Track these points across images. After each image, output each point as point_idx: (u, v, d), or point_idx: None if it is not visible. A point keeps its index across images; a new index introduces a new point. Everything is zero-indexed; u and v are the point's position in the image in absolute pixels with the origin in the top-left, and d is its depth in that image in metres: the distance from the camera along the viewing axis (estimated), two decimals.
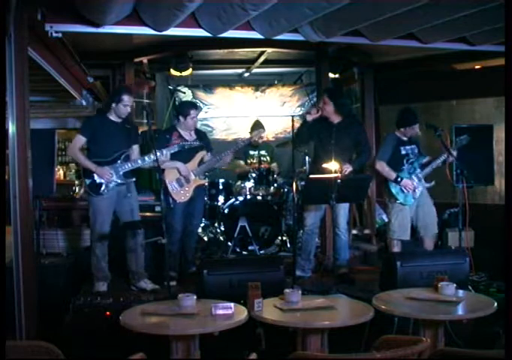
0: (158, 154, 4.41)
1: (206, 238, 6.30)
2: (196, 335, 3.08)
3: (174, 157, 4.86)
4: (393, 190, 5.00)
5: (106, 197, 4.49)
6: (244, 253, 5.82)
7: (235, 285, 3.79)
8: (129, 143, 4.62)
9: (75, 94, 6.85)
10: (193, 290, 3.71)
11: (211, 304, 3.21)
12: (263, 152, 6.75)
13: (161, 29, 4.39)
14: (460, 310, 3.35)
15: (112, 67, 6.86)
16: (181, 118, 4.96)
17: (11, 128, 3.94)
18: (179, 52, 6.64)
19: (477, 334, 3.90)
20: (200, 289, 3.88)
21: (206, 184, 5.60)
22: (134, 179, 4.68)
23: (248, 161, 6.66)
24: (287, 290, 3.48)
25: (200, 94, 8.25)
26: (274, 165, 6.65)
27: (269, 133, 7.96)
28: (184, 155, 4.90)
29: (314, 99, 7.60)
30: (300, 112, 8.13)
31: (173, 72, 6.88)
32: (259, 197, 6.07)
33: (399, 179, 4.95)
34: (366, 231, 6.77)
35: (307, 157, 6.14)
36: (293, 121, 4.92)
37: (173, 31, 4.44)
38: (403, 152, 5.03)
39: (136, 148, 4.69)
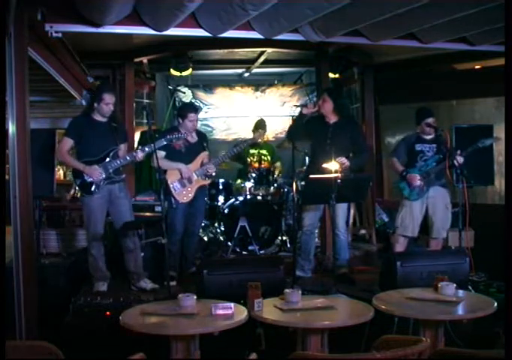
0: (147, 149, 4.41)
1: (206, 238, 6.29)
2: (196, 335, 3.08)
3: (176, 157, 4.85)
4: (400, 185, 5.06)
5: (98, 197, 4.48)
6: (244, 253, 5.82)
7: (235, 285, 3.79)
8: (116, 141, 4.59)
9: (75, 94, 6.85)
10: (193, 290, 3.71)
11: (211, 304, 3.20)
12: (263, 152, 6.75)
13: (161, 29, 4.39)
14: (460, 310, 3.34)
15: (112, 67, 6.86)
16: (180, 120, 4.96)
17: (11, 128, 3.94)
18: (179, 52, 6.64)
19: (477, 334, 3.90)
20: (200, 289, 3.88)
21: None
22: (124, 176, 4.67)
23: (249, 160, 6.66)
24: (287, 290, 3.48)
25: (200, 94, 8.25)
26: (278, 164, 6.64)
27: (269, 133, 7.96)
28: (186, 156, 4.90)
29: (314, 99, 7.60)
30: (294, 105, 8.13)
31: (173, 72, 6.88)
32: (259, 197, 6.07)
33: (405, 173, 4.99)
34: (366, 231, 6.77)
35: (307, 157, 6.14)
36: (293, 120, 4.93)
37: (173, 31, 4.45)
38: (418, 149, 5.07)
39: (123, 146, 4.68)
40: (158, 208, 5.35)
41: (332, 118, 4.97)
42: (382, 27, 4.50)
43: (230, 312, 3.16)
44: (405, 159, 5.12)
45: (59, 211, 6.12)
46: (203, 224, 6.12)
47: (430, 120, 5.03)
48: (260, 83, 8.47)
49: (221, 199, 6.24)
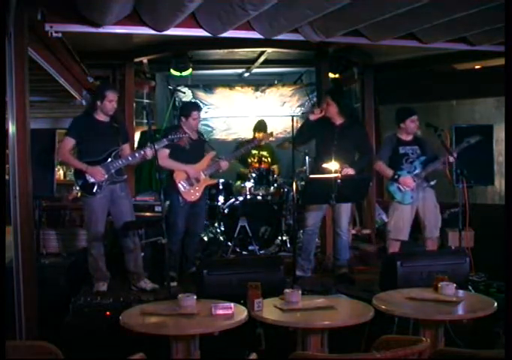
0: (157, 146, 4.41)
1: (206, 238, 6.29)
2: (196, 335, 3.07)
3: (181, 155, 4.85)
4: (390, 189, 5.01)
5: (100, 197, 4.47)
6: (244, 253, 5.82)
7: (235, 285, 3.79)
8: (118, 141, 4.57)
9: (75, 94, 6.85)
10: (193, 290, 3.71)
11: (211, 304, 3.20)
12: (264, 153, 6.75)
13: (161, 29, 4.39)
14: (460, 310, 3.34)
15: (112, 67, 6.86)
16: (183, 119, 4.96)
17: (11, 128, 3.94)
18: (179, 52, 6.64)
19: (477, 334, 3.90)
20: (200, 289, 3.88)
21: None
22: (125, 176, 4.66)
23: (249, 160, 6.67)
24: (287, 290, 3.48)
25: (200, 94, 8.25)
26: (275, 166, 6.64)
27: None
28: (191, 153, 4.90)
29: (314, 99, 7.60)
30: (300, 112, 8.14)
31: (173, 72, 6.88)
32: (259, 197, 6.07)
33: (397, 176, 4.94)
34: (366, 231, 6.77)
35: (307, 157, 6.14)
36: (293, 121, 4.93)
37: (173, 31, 4.45)
38: (402, 152, 5.02)
39: (126, 146, 4.66)
40: (158, 208, 5.35)
41: (338, 120, 4.98)
42: (382, 27, 4.50)
43: (230, 312, 3.16)
44: (387, 161, 5.05)
45: (59, 211, 6.12)
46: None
47: (414, 117, 5.00)
48: (260, 83, 8.47)
49: (221, 199, 6.24)
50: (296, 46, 6.16)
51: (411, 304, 3.39)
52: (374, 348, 2.53)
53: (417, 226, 5.10)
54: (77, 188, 4.64)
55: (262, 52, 6.85)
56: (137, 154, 4.52)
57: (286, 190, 6.33)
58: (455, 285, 3.55)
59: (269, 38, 4.71)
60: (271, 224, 5.95)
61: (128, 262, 4.67)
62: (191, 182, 4.91)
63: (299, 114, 7.97)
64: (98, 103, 4.50)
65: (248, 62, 7.53)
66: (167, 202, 4.85)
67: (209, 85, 8.33)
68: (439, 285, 3.54)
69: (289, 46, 6.25)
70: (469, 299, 3.53)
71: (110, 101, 4.49)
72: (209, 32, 4.52)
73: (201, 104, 8.04)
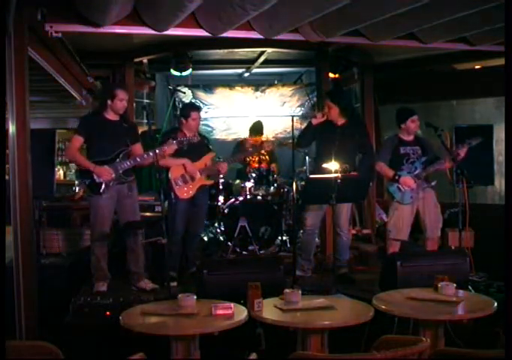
0: (157, 151, 4.40)
1: (206, 238, 6.29)
2: (196, 335, 3.08)
3: (179, 156, 4.85)
4: (390, 189, 5.00)
5: (107, 197, 4.46)
6: (244, 253, 5.81)
7: (235, 285, 3.79)
8: (128, 141, 4.56)
9: (75, 94, 6.85)
10: (193, 290, 3.72)
11: (211, 304, 3.21)
12: (262, 151, 6.74)
13: (161, 29, 4.39)
14: (460, 310, 3.34)
15: (112, 67, 6.86)
16: (183, 120, 4.96)
17: (11, 128, 3.95)
18: (179, 52, 6.64)
19: (477, 334, 3.90)
20: (200, 289, 3.88)
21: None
22: (133, 177, 4.65)
23: (248, 160, 6.66)
24: (287, 290, 3.48)
25: (200, 94, 8.25)
26: (273, 165, 6.65)
27: (269, 133, 7.96)
28: (189, 154, 4.90)
29: (315, 99, 7.60)
30: (300, 112, 8.14)
31: (173, 72, 6.88)
32: (259, 197, 6.07)
33: (397, 177, 4.94)
34: (366, 231, 6.77)
35: (307, 157, 6.15)
36: (293, 121, 4.93)
37: (173, 31, 4.45)
38: (402, 152, 5.02)
39: (137, 146, 4.64)
40: (158, 208, 5.35)
41: (340, 121, 4.99)
42: (382, 27, 4.50)
43: (230, 312, 3.16)
44: (387, 162, 5.03)
45: (59, 211, 6.11)
46: None
47: (415, 117, 5.00)
48: (260, 83, 8.47)
49: (221, 199, 6.24)
50: (296, 46, 6.16)
51: (411, 304, 3.39)
52: (375, 348, 2.53)
53: (417, 226, 5.09)
54: (77, 189, 4.63)
55: (262, 52, 6.85)
56: (145, 156, 4.50)
57: (286, 190, 6.33)
58: (455, 285, 3.55)
59: (269, 38, 4.71)
60: (271, 224, 5.95)
61: (129, 262, 4.67)
62: (185, 179, 4.90)
63: (299, 114, 7.98)
64: (109, 102, 4.48)
65: (248, 62, 7.53)
66: (167, 199, 4.84)
67: (209, 85, 8.33)
68: (439, 285, 3.54)
69: (289, 46, 6.25)
70: (469, 299, 3.54)
71: (121, 100, 4.48)
72: (209, 32, 4.52)
73: (201, 104, 8.05)
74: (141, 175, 6.56)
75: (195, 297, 3.32)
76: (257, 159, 6.62)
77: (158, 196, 5.23)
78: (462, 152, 4.82)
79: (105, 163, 4.45)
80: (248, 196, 6.04)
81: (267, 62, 7.37)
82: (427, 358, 2.49)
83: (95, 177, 4.42)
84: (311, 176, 4.62)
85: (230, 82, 8.46)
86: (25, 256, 3.96)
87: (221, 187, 6.29)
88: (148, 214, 5.35)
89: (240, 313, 3.21)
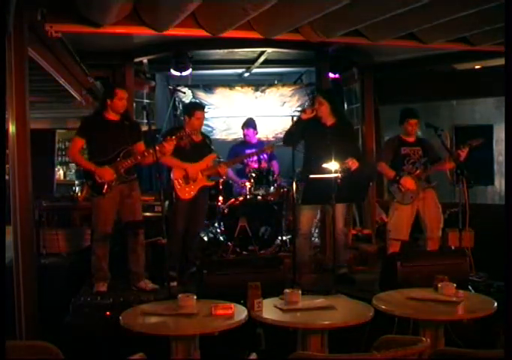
0: (158, 148, 4.39)
1: (206, 238, 6.29)
2: (196, 335, 3.08)
3: (182, 155, 4.84)
4: (391, 189, 5.02)
5: (109, 197, 4.47)
6: (244, 253, 5.81)
7: (235, 285, 3.78)
8: (129, 140, 4.56)
9: (75, 94, 6.84)
10: (193, 290, 3.71)
11: (211, 304, 3.20)
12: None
13: (161, 29, 4.39)
14: (460, 310, 3.34)
15: (112, 67, 6.85)
16: (186, 119, 4.96)
17: (11, 128, 3.94)
18: (179, 52, 6.64)
19: (477, 334, 3.90)
20: (200, 289, 3.88)
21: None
22: (135, 176, 4.65)
23: (245, 161, 6.65)
24: (287, 290, 3.47)
25: (200, 94, 8.24)
26: (273, 162, 6.64)
27: (269, 133, 7.96)
28: (192, 154, 4.90)
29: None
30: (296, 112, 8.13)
31: (173, 72, 6.88)
32: (259, 197, 6.07)
33: (398, 177, 4.94)
34: (366, 231, 6.77)
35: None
36: (292, 120, 4.92)
37: (173, 31, 4.45)
38: (403, 152, 5.03)
39: (140, 144, 4.63)
40: (158, 208, 5.34)
41: (329, 121, 4.95)
42: (382, 27, 4.50)
43: (230, 312, 3.16)
44: (389, 162, 5.05)
45: (59, 211, 6.11)
46: None
47: (413, 121, 4.99)
48: (260, 83, 8.46)
49: (221, 199, 6.24)
50: (296, 46, 6.16)
51: (411, 304, 3.39)
52: (375, 348, 2.53)
53: (417, 226, 5.10)
54: (77, 189, 4.64)
55: (262, 52, 6.85)
56: (146, 154, 4.49)
57: (286, 190, 6.33)
58: (455, 285, 3.54)
59: (269, 38, 4.71)
60: (271, 224, 5.95)
61: (130, 262, 4.67)
62: (187, 180, 4.91)
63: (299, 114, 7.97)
64: (108, 101, 4.49)
65: (248, 62, 7.53)
66: (167, 202, 4.85)
67: (209, 85, 8.33)
68: (439, 285, 3.54)
69: (289, 46, 6.25)
70: (469, 299, 3.53)
71: (120, 99, 4.48)
72: (209, 32, 4.52)
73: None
74: (141, 175, 6.56)
75: (195, 297, 3.32)
76: (256, 159, 6.61)
77: (158, 196, 5.23)
78: (463, 153, 4.82)
79: (106, 163, 4.45)
80: (248, 196, 6.04)
81: (267, 62, 7.37)
82: (427, 358, 2.49)
83: (97, 178, 4.42)
84: (311, 176, 4.61)
85: (230, 82, 8.45)
86: (25, 256, 3.96)
87: (221, 187, 6.29)
88: (148, 214, 5.35)
89: (240, 313, 3.20)
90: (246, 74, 8.29)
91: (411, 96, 6.87)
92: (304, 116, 4.87)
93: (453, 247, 5.40)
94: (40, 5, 4.10)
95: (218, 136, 8.25)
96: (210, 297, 3.53)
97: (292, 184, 4.94)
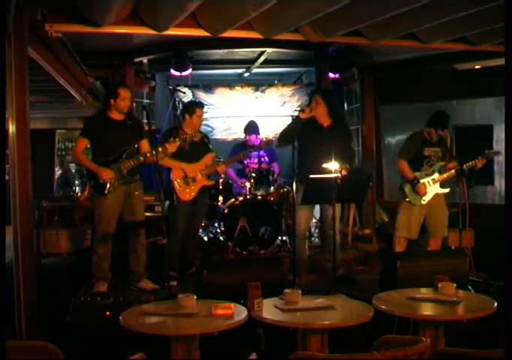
0: (160, 149, 4.39)
1: (206, 238, 6.29)
2: (196, 335, 3.08)
3: (180, 155, 4.84)
4: (405, 189, 5.03)
5: (112, 197, 4.47)
6: (244, 253, 5.81)
7: (235, 285, 3.78)
8: (133, 140, 4.57)
9: (75, 94, 6.85)
10: (193, 290, 3.71)
11: (211, 304, 3.20)
12: (262, 153, 6.74)
13: (161, 29, 4.39)
14: (460, 310, 3.35)
15: (112, 67, 6.86)
16: (187, 117, 4.96)
17: (11, 128, 3.94)
18: (179, 52, 6.64)
19: (477, 334, 3.90)
20: (200, 289, 3.88)
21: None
22: (138, 176, 4.65)
23: (245, 161, 6.66)
24: (287, 290, 3.47)
25: (200, 94, 8.24)
26: (274, 164, 6.64)
27: (269, 133, 7.95)
28: (190, 154, 4.89)
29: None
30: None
31: (173, 72, 6.88)
32: (259, 197, 6.07)
33: (415, 182, 4.96)
34: (366, 231, 6.77)
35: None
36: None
37: (173, 31, 4.45)
38: (426, 154, 5.04)
39: (144, 142, 4.64)
40: (158, 208, 5.34)
41: (326, 121, 4.93)
42: (382, 27, 4.50)
43: (230, 312, 3.16)
44: (409, 160, 5.07)
45: (59, 211, 6.11)
46: (202, 224, 6.13)
47: (444, 132, 5.00)
48: (260, 83, 8.46)
49: (221, 199, 6.24)
50: (296, 46, 6.16)
51: (411, 304, 3.39)
52: (375, 348, 2.53)
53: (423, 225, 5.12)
54: (77, 188, 4.64)
55: (262, 52, 6.85)
56: (148, 155, 4.49)
57: (286, 190, 6.33)
58: (455, 285, 3.55)
59: (269, 38, 4.71)
60: (271, 224, 5.94)
61: (130, 262, 4.67)
62: (187, 181, 4.91)
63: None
64: (112, 101, 4.49)
65: (248, 62, 7.54)
66: (167, 202, 4.84)
67: (209, 85, 8.32)
68: (439, 285, 3.54)
69: (289, 46, 6.26)
70: (469, 299, 3.53)
71: (124, 99, 4.48)
72: (209, 32, 4.52)
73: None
74: (141, 175, 6.56)
75: (195, 297, 3.32)
76: (256, 159, 6.62)
77: (158, 196, 5.23)
78: (480, 163, 4.88)
79: (109, 163, 4.45)
80: (248, 196, 6.04)
81: (267, 62, 7.37)
82: (427, 358, 2.49)
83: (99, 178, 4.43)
84: (311, 176, 4.60)
85: (230, 82, 8.45)
86: (25, 256, 3.96)
87: (221, 187, 6.29)
88: (148, 214, 5.35)
89: (240, 313, 3.20)
90: (246, 74, 8.29)
91: (411, 96, 6.87)
92: (302, 115, 4.85)
93: (453, 247, 5.41)
94: (40, 5, 4.10)
95: (218, 136, 8.25)
96: (210, 297, 3.53)
97: (292, 184, 4.94)
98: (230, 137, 8.28)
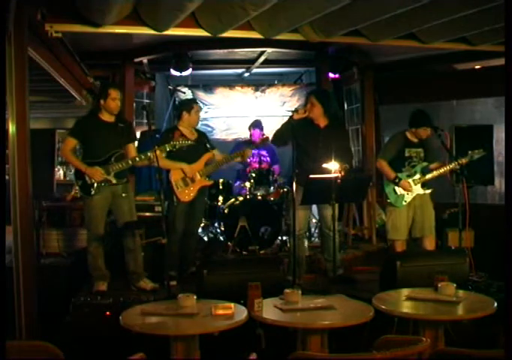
0: (158, 152, 4.38)
1: (206, 238, 6.29)
2: (196, 335, 3.08)
3: (178, 155, 4.84)
4: (386, 190, 5.00)
5: (100, 197, 4.44)
6: (244, 253, 5.81)
7: (235, 285, 3.78)
8: (122, 142, 4.54)
9: (75, 94, 6.85)
10: (193, 290, 3.71)
11: (211, 304, 3.21)
12: (263, 153, 6.75)
13: (161, 29, 4.40)
14: (460, 310, 3.34)
15: (112, 67, 6.86)
16: (185, 114, 4.95)
17: (11, 128, 3.94)
18: (179, 52, 6.64)
19: (477, 334, 3.90)
20: (200, 289, 3.87)
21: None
22: (125, 180, 4.60)
23: (248, 160, 6.66)
24: (287, 290, 3.48)
25: (200, 94, 8.24)
26: (275, 167, 6.63)
27: (269, 133, 7.95)
28: (188, 154, 4.89)
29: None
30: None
31: (173, 72, 6.88)
32: (259, 197, 6.07)
33: (397, 180, 4.92)
34: (366, 231, 6.77)
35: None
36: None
37: (173, 31, 4.45)
38: (407, 154, 5.00)
39: (131, 146, 4.62)
40: (157, 208, 5.34)
41: (322, 122, 4.89)
42: (382, 27, 4.51)
43: (230, 312, 3.16)
44: (389, 160, 5.01)
45: (59, 211, 6.11)
46: (202, 224, 6.13)
47: (427, 129, 4.94)
48: (260, 83, 8.46)
49: (221, 199, 6.24)
50: (296, 46, 6.17)
51: (411, 304, 3.39)
52: (375, 348, 2.53)
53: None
54: (76, 188, 4.63)
55: (262, 52, 6.85)
56: (137, 159, 4.47)
57: (286, 190, 6.33)
58: (455, 285, 3.55)
59: (269, 38, 4.71)
60: (271, 224, 5.95)
61: (128, 262, 4.66)
62: (186, 182, 4.90)
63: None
64: (102, 102, 4.46)
65: (248, 62, 7.54)
66: (168, 201, 4.84)
67: (209, 85, 8.33)
68: (439, 285, 3.54)
69: (289, 46, 6.26)
70: (469, 299, 3.53)
71: (113, 99, 4.44)
72: (209, 32, 4.52)
73: (201, 104, 8.05)
74: (141, 175, 6.57)
75: (195, 297, 3.32)
76: (257, 159, 6.62)
77: (157, 196, 5.23)
78: (463, 163, 4.84)
79: (98, 164, 4.42)
80: (248, 196, 6.04)
81: (267, 62, 7.37)
82: (427, 358, 2.49)
83: (87, 178, 4.41)
84: (311, 176, 4.59)
85: (230, 82, 8.46)
86: (25, 256, 3.96)
87: (221, 187, 6.29)
88: (148, 214, 5.36)
89: (240, 313, 3.20)
90: (246, 74, 8.30)
91: (411, 96, 6.87)
92: (296, 116, 4.79)
93: (453, 247, 5.41)
94: (40, 5, 4.10)
95: (218, 136, 8.26)
96: (210, 297, 3.53)
97: (292, 185, 4.93)
98: (230, 137, 8.29)
